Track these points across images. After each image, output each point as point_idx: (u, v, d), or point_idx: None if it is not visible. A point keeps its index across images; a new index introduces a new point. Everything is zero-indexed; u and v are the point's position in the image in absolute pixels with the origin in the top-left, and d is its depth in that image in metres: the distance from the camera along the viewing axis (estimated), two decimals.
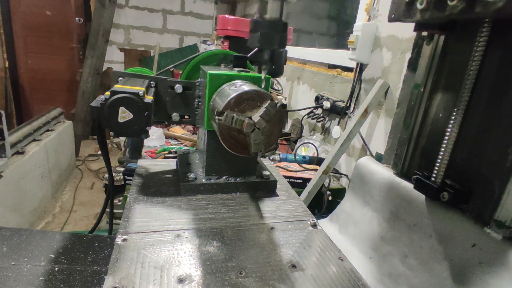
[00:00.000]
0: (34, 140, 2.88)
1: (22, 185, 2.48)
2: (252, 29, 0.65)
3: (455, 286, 0.80)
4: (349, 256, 1.12)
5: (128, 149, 2.25)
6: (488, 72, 0.80)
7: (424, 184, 0.91)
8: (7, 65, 4.17)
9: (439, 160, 0.87)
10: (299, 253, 0.68)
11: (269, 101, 0.71)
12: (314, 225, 0.79)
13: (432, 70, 0.97)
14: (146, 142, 2.21)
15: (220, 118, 0.69)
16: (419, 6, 0.76)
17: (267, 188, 0.92)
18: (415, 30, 0.92)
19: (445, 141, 0.86)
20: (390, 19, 0.88)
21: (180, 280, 0.57)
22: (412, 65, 1.07)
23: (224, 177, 0.89)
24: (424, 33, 1.00)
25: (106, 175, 1.79)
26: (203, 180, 0.87)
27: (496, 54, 0.78)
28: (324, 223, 1.35)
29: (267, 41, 0.65)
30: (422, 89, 1.00)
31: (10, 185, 2.30)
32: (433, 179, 0.89)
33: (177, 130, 2.55)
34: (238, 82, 0.80)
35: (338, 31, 2.83)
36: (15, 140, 2.53)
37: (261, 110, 0.69)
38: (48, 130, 3.19)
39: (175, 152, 2.05)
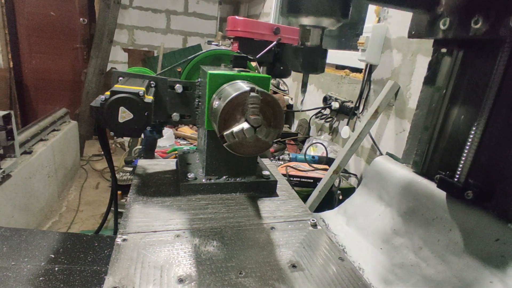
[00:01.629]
0: (41, 140, 2.90)
1: (30, 185, 2.51)
2: (293, 55, 0.68)
3: (473, 277, 0.83)
4: (357, 247, 1.15)
5: (139, 149, 2.26)
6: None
7: (448, 183, 0.94)
8: (11, 65, 4.22)
9: (462, 161, 0.90)
10: (299, 253, 0.68)
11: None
12: (314, 225, 0.78)
13: (453, 75, 0.99)
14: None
15: (224, 141, 0.71)
16: (442, 27, 0.76)
17: (267, 188, 0.92)
18: (434, 45, 0.94)
19: (469, 143, 0.88)
20: (410, 36, 0.90)
21: (180, 280, 0.57)
22: (432, 68, 1.08)
23: (224, 177, 0.89)
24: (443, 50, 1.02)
25: None
26: (203, 180, 0.87)
27: None
28: (331, 215, 1.38)
29: (309, 67, 0.69)
30: (444, 91, 1.01)
31: (18, 185, 2.32)
32: (456, 178, 0.91)
33: (186, 130, 2.57)
34: (239, 82, 0.80)
35: (344, 33, 2.81)
36: (23, 140, 2.55)
37: (249, 108, 0.69)
38: (54, 130, 3.22)
39: None
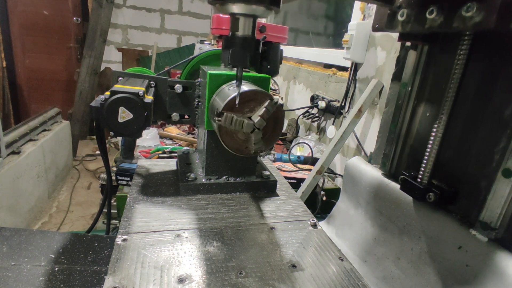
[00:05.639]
0: (31, 140, 2.85)
1: (18, 185, 2.47)
2: (224, 46, 0.65)
3: None
4: None
5: (121, 149, 2.24)
6: (472, 74, 0.80)
7: (410, 184, 0.90)
8: (4, 65, 4.15)
9: (425, 160, 0.86)
10: (299, 253, 0.68)
11: (268, 101, 0.71)
12: (314, 225, 0.79)
13: (419, 69, 0.96)
14: (141, 142, 2.20)
15: (220, 119, 0.69)
16: (400, 18, 0.76)
17: (267, 188, 0.92)
18: (399, 40, 0.92)
19: (431, 141, 0.84)
20: (374, 29, 0.89)
21: (180, 280, 0.57)
22: (400, 63, 1.06)
23: (224, 177, 0.89)
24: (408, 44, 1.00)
25: (102, 175, 1.79)
26: (203, 180, 0.87)
27: (479, 59, 0.78)
28: (322, 226, 1.34)
29: (238, 59, 0.64)
30: (410, 88, 0.99)
31: (5, 185, 2.28)
32: (419, 179, 0.88)
33: (172, 130, 2.55)
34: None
35: (334, 31, 2.84)
36: (11, 140, 2.51)
37: (261, 110, 0.70)
38: (45, 130, 3.17)
39: (170, 152, 2.06)
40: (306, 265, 0.65)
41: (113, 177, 1.94)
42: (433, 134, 0.84)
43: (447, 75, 0.82)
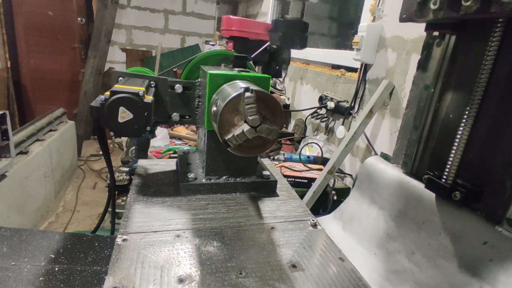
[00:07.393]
0: (38, 140, 2.89)
1: (26, 185, 2.50)
2: (273, 28, 0.66)
3: (464, 282, 0.82)
4: (353, 253, 1.13)
5: (134, 149, 2.26)
6: (501, 71, 0.80)
7: (435, 183, 0.92)
8: (9, 65, 4.19)
9: (450, 160, 0.88)
10: (299, 253, 0.68)
11: (278, 127, 0.71)
12: (314, 225, 0.78)
13: (442, 71, 0.98)
14: (151, 142, 2.22)
15: (247, 93, 0.68)
16: (432, 6, 0.75)
17: (267, 188, 0.92)
18: (426, 30, 0.92)
19: (457, 141, 0.86)
20: (402, 19, 0.87)
21: (180, 280, 0.57)
22: (422, 66, 1.07)
23: (224, 177, 0.89)
24: (435, 33, 1.00)
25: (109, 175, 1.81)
26: (203, 180, 0.87)
27: (509, 53, 0.78)
28: (328, 220, 1.35)
29: (288, 40, 0.66)
30: (432, 90, 1.01)
31: (14, 185, 2.31)
32: (444, 178, 0.90)
33: (181, 130, 2.56)
34: (239, 82, 0.80)
35: (341, 32, 2.83)
36: (19, 140, 2.54)
37: (270, 124, 0.69)
38: (51, 130, 3.21)
39: None
40: (306, 265, 0.64)
41: (125, 177, 1.96)
42: (459, 134, 0.86)
43: (475, 68, 0.83)
